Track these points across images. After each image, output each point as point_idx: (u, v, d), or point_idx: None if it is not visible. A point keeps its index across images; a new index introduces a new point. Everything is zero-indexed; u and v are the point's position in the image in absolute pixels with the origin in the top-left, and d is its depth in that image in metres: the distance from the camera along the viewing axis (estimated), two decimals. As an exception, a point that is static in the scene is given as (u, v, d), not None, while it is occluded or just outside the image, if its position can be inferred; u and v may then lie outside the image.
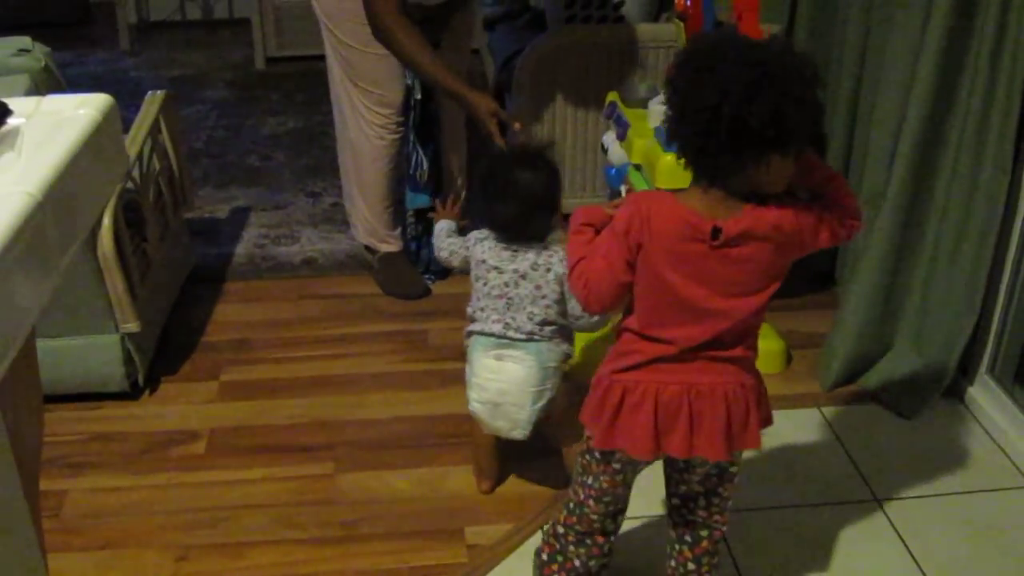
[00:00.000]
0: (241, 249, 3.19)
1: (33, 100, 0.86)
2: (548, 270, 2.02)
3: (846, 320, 2.52)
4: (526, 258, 2.03)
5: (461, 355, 2.65)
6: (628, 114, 2.67)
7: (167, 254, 2.73)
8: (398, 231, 2.97)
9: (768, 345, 2.59)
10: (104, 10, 5.49)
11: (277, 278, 3.04)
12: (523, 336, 2.02)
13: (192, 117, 4.21)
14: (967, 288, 2.35)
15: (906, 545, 2.08)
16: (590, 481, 1.70)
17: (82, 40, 5.30)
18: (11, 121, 0.81)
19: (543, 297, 2.01)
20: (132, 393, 2.50)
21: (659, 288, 1.49)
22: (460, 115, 2.87)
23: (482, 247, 2.08)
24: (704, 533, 1.78)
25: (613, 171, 2.62)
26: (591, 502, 1.72)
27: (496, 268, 2.04)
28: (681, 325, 1.52)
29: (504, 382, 2.01)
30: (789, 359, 2.63)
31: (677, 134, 1.43)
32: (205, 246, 3.19)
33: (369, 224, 2.95)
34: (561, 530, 1.78)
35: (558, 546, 1.80)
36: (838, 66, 2.79)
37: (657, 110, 2.52)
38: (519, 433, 2.04)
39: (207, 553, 2.07)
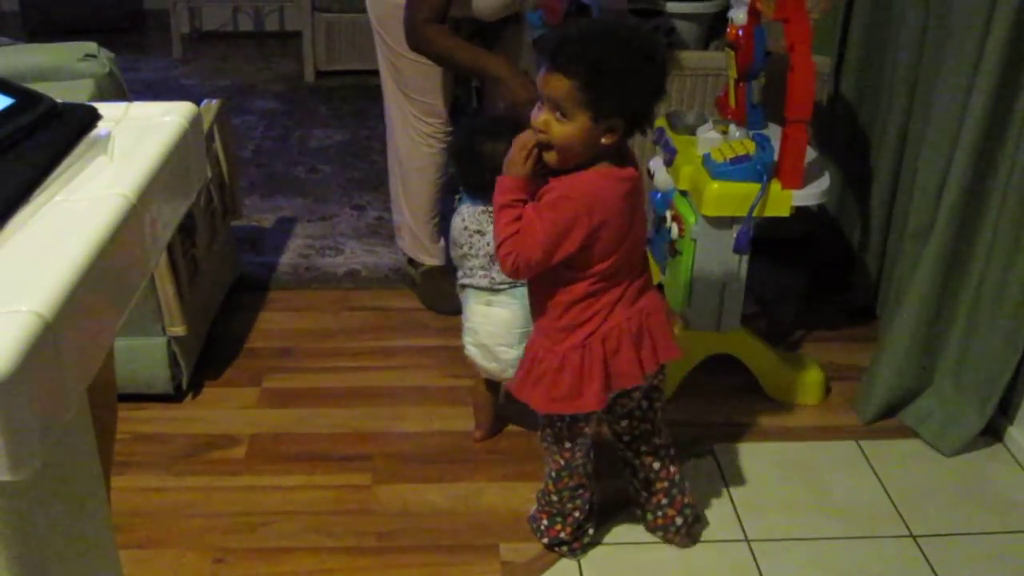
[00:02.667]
0: (286, 259, 3.23)
1: (122, 106, 0.89)
2: None
3: (887, 353, 2.51)
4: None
5: (501, 372, 2.69)
6: (676, 140, 2.69)
7: (215, 261, 2.77)
8: (440, 244, 3.00)
9: (807, 376, 2.60)
10: (157, 18, 5.58)
11: (320, 289, 3.08)
12: (507, 285, 2.19)
13: (241, 127, 4.27)
14: (1010, 326, 2.34)
15: (941, 582, 2.07)
16: (579, 440, 1.92)
17: (135, 47, 5.39)
18: (102, 126, 0.85)
19: None
20: (176, 396, 2.54)
21: (621, 244, 1.73)
22: None
23: (462, 215, 2.24)
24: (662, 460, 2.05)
25: (659, 196, 2.64)
26: (579, 456, 1.95)
27: (478, 232, 2.21)
28: (631, 266, 1.79)
29: (493, 325, 2.22)
30: (828, 391, 2.63)
31: (630, 106, 1.66)
32: (250, 254, 3.24)
33: (414, 235, 2.98)
34: (555, 497, 2.00)
35: (555, 510, 2.02)
36: (888, 99, 2.79)
37: (706, 138, 2.54)
38: (507, 373, 2.23)
39: (244, 557, 2.09)
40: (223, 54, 5.36)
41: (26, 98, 0.82)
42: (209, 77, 4.99)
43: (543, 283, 1.79)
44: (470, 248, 2.23)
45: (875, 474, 2.37)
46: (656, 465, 2.06)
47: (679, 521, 2.10)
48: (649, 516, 2.12)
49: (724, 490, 2.30)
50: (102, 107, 0.86)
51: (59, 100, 0.86)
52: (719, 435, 2.47)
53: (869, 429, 2.51)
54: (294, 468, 2.34)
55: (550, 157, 1.67)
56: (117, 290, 0.72)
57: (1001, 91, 2.24)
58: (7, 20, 5.83)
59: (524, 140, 1.66)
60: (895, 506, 2.27)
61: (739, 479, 2.33)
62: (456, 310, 2.95)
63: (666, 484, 2.08)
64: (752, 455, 2.42)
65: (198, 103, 2.82)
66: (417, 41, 2.60)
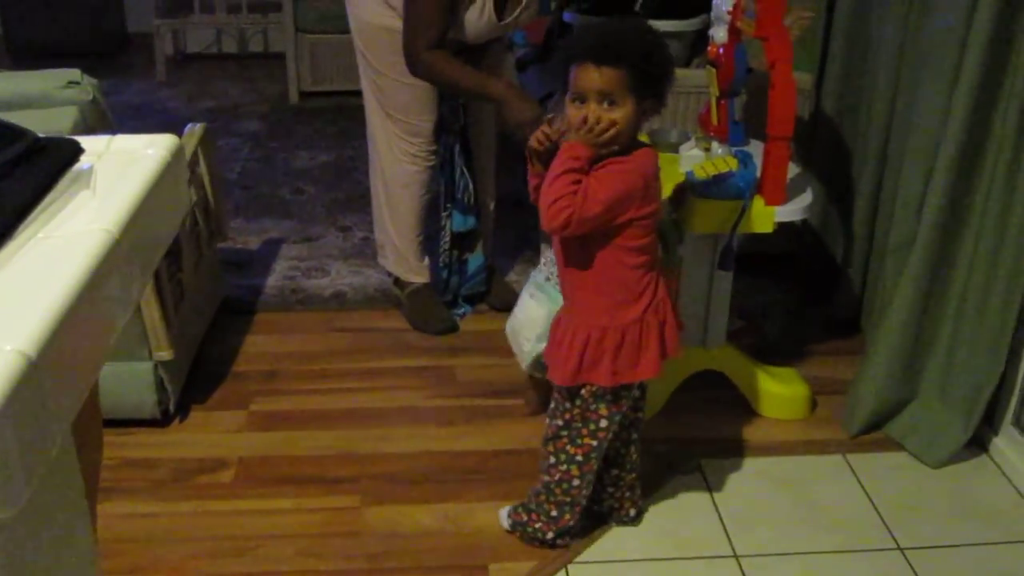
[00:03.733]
0: (272, 281, 3.23)
1: (104, 139, 0.90)
2: None
3: (871, 367, 2.53)
4: None
5: (488, 391, 2.70)
6: (659, 158, 2.70)
7: (201, 284, 2.77)
8: (426, 262, 3.01)
9: (793, 390, 2.61)
10: (141, 41, 5.59)
11: (307, 311, 3.08)
12: (555, 284, 2.26)
13: (226, 149, 4.28)
14: (993, 338, 2.36)
15: (929, 595, 2.08)
16: (603, 424, 2.00)
17: (119, 70, 5.40)
18: (84, 160, 0.85)
19: None
20: (163, 420, 2.54)
21: (655, 216, 1.91)
22: (488, 141, 2.98)
23: None
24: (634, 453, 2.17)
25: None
26: (608, 437, 2.04)
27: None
28: (655, 242, 1.96)
29: (524, 314, 2.34)
30: (814, 405, 2.64)
31: (661, 85, 1.85)
32: (236, 277, 3.24)
33: (399, 253, 2.99)
34: (577, 482, 2.06)
35: (569, 498, 2.08)
36: (868, 114, 2.82)
37: (689, 155, 2.55)
38: (523, 362, 2.37)
39: (233, 582, 2.09)
40: (207, 76, 5.37)
41: (8, 133, 0.83)
42: (194, 99, 5.00)
43: (597, 266, 1.90)
44: (550, 247, 2.26)
45: (862, 487, 2.38)
46: (634, 456, 2.17)
47: (633, 512, 2.23)
48: (608, 503, 2.21)
49: (712, 506, 2.30)
50: (85, 140, 0.87)
51: (42, 133, 0.87)
52: (706, 451, 2.47)
53: (855, 442, 2.53)
54: (282, 491, 2.34)
55: (599, 129, 1.81)
56: (101, 325, 0.72)
57: (979, 106, 2.26)
58: (-9, 45, 5.83)
59: (597, 120, 1.78)
60: (882, 519, 2.28)
61: (727, 494, 2.34)
62: (442, 329, 2.96)
63: (634, 476, 2.20)
64: (740, 470, 2.42)
65: (182, 126, 2.86)
66: (419, 68, 2.61)
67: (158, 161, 0.86)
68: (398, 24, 2.65)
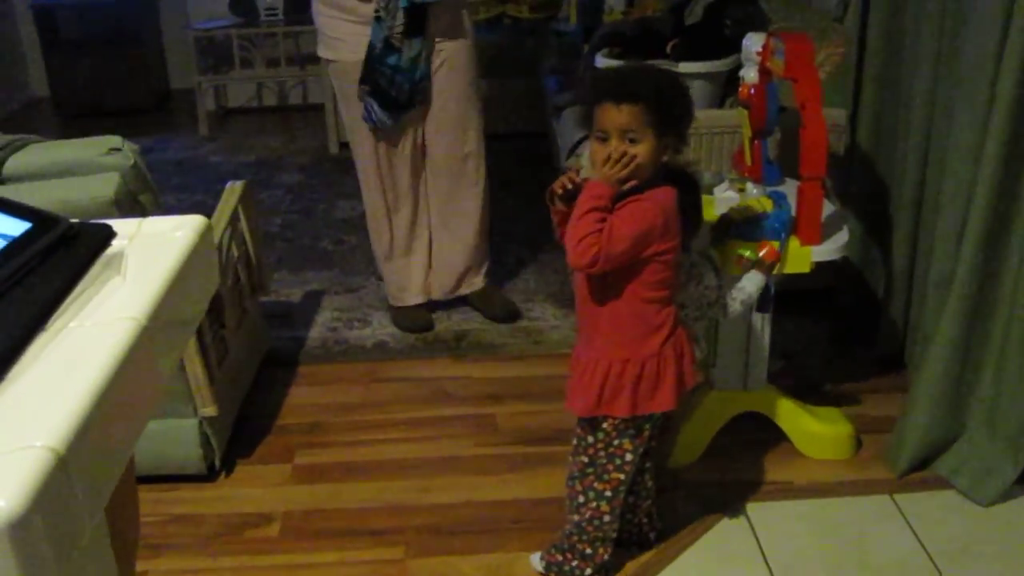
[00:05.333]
0: (314, 332, 3.26)
1: (134, 222, 0.92)
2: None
3: (917, 404, 2.50)
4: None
5: (529, 439, 2.70)
6: (693, 200, 2.71)
7: (244, 339, 2.81)
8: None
9: (836, 430, 2.58)
10: (183, 96, 5.72)
11: (349, 361, 3.11)
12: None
13: (267, 201, 4.34)
14: (1040, 373, 2.33)
15: (983, 639, 2.04)
16: (628, 457, 2.04)
17: (163, 126, 5.52)
18: (115, 243, 0.88)
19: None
20: (209, 475, 2.57)
21: (676, 252, 1.96)
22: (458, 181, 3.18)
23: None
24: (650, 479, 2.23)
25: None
26: (631, 472, 2.07)
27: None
28: (675, 277, 2.03)
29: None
30: (859, 444, 2.61)
31: (681, 122, 1.93)
32: (279, 329, 3.28)
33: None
34: (607, 518, 2.09)
35: (601, 534, 2.11)
36: (903, 149, 2.80)
37: (723, 197, 2.56)
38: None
39: (280, 637, 2.10)
40: (248, 129, 5.47)
41: (42, 222, 0.85)
42: (235, 153, 5.09)
43: (617, 300, 1.95)
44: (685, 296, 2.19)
45: (911, 528, 2.34)
46: (648, 483, 2.22)
47: (652, 536, 2.29)
48: (626, 531, 2.25)
49: (759, 551, 2.28)
50: (116, 224, 0.89)
51: (86, 198, 0.89)
52: (750, 494, 2.45)
53: (903, 482, 2.49)
54: (327, 545, 2.35)
55: (624, 162, 1.88)
56: (130, 414, 0.74)
57: (1013, 140, 2.25)
58: (39, 105, 5.99)
59: (619, 154, 1.86)
60: (933, 562, 2.24)
61: (773, 539, 2.32)
62: (419, 328, 3.20)
63: (650, 503, 2.25)
64: (785, 514, 2.40)
65: (225, 180, 2.92)
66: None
67: (186, 243, 0.88)
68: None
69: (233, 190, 2.84)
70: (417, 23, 2.87)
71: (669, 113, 1.88)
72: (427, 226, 3.24)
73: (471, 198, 3.19)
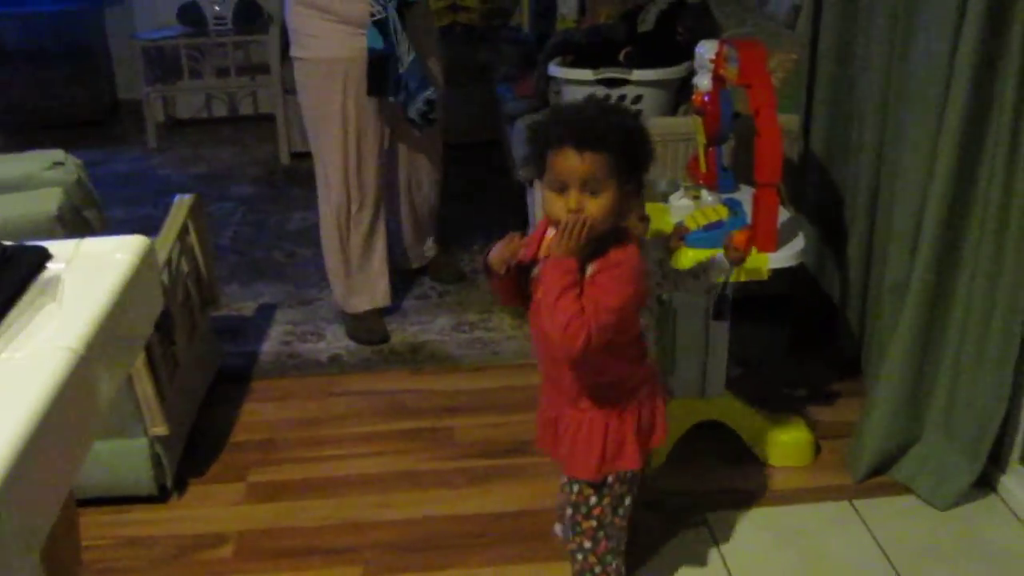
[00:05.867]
0: (267, 347, 3.21)
1: (71, 244, 0.88)
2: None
3: (874, 409, 2.50)
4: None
5: (487, 452, 2.67)
6: (648, 208, 2.70)
7: (195, 355, 2.76)
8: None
9: (795, 437, 2.58)
10: (131, 107, 5.61)
11: (303, 376, 3.06)
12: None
13: (218, 213, 4.28)
14: (995, 375, 2.34)
15: (945, 644, 2.04)
16: (628, 501, 1.96)
17: (110, 138, 5.42)
18: (51, 266, 0.84)
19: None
20: (160, 496, 2.51)
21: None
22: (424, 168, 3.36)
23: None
24: None
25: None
26: (628, 517, 1.99)
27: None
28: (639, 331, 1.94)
29: None
30: (818, 450, 2.61)
31: (643, 166, 1.79)
32: (231, 344, 3.22)
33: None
34: (615, 563, 1.99)
35: (612, 545, 1.98)
36: (856, 154, 2.81)
37: (679, 205, 2.55)
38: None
39: (236, 662, 2.05)
40: (198, 141, 5.39)
41: (-27, 245, 0.81)
42: (185, 165, 5.01)
43: (599, 361, 1.81)
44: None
45: (871, 534, 2.34)
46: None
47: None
48: None
49: (720, 560, 2.27)
50: (53, 246, 0.85)
51: (28, 216, 0.85)
52: (711, 503, 2.44)
53: (862, 487, 2.49)
54: (283, 565, 2.31)
55: (584, 227, 1.70)
56: (67, 448, 0.70)
57: (966, 143, 2.25)
58: (-18, 118, 5.85)
59: (573, 222, 1.68)
60: (893, 565, 2.24)
61: (734, 548, 2.30)
62: (376, 340, 3.18)
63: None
64: (746, 522, 2.39)
65: (174, 192, 2.86)
66: None
67: (127, 266, 0.84)
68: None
69: (182, 203, 2.78)
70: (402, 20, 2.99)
71: (634, 161, 1.74)
72: (384, 233, 3.26)
73: (435, 159, 3.40)
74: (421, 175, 3.41)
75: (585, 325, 1.68)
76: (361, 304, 3.26)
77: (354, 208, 3.16)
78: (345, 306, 3.28)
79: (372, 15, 2.92)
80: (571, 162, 1.68)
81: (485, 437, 2.73)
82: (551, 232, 1.78)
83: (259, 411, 2.90)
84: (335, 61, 2.99)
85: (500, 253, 1.81)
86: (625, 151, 1.70)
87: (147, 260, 0.88)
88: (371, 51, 2.96)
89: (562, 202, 1.70)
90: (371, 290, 3.27)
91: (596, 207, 1.69)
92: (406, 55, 2.99)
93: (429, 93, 3.05)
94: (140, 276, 0.85)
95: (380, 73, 2.99)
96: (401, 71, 2.99)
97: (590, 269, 1.73)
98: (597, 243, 1.73)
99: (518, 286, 1.86)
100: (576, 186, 1.68)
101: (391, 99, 3.04)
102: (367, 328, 3.25)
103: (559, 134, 1.70)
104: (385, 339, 3.23)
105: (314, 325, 3.34)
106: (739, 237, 2.29)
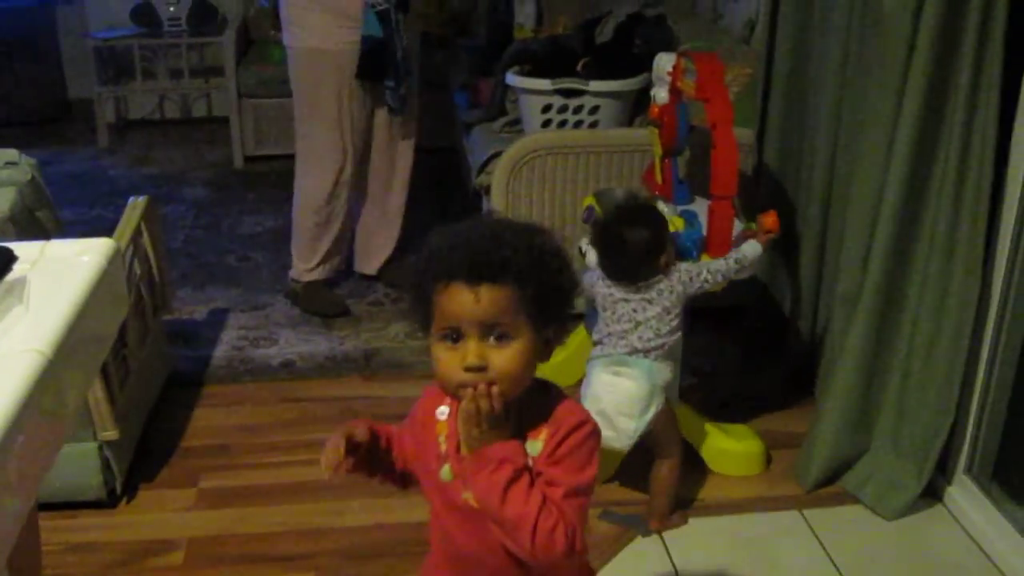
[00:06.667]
0: (220, 352, 3.18)
1: (37, 246, 0.87)
2: (671, 292, 2.28)
3: (824, 420, 2.54)
4: (648, 287, 2.28)
5: (442, 459, 2.66)
6: (605, 218, 2.72)
7: (146, 359, 2.72)
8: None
9: (747, 447, 2.61)
10: (82, 108, 5.53)
11: (256, 381, 3.04)
12: (644, 352, 2.27)
13: (170, 216, 4.23)
14: (942, 387, 2.38)
15: (891, 651, 2.07)
16: None
17: (60, 138, 5.34)
18: (16, 268, 0.83)
19: (668, 313, 2.28)
20: (109, 502, 2.47)
21: None
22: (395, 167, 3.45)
23: (605, 284, 2.33)
24: None
25: (591, 275, 2.65)
26: None
27: (624, 299, 2.29)
28: None
29: (618, 395, 2.26)
30: (769, 460, 2.64)
31: (565, 302, 1.36)
32: (183, 349, 3.19)
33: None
34: None
35: None
36: (809, 168, 2.85)
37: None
38: (622, 443, 2.27)
39: (185, 669, 2.03)
40: (151, 142, 5.33)
41: (-63, 245, 0.80)
42: (136, 166, 4.96)
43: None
44: (613, 313, 2.29)
45: (819, 543, 2.37)
46: None
47: None
48: None
49: (672, 569, 2.29)
50: (18, 247, 0.85)
51: None
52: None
53: (811, 497, 2.53)
54: (234, 572, 2.29)
55: (496, 398, 1.26)
56: (34, 454, 0.70)
57: (918, 156, 2.30)
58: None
59: (480, 402, 1.25)
60: (840, 573, 2.28)
61: (686, 557, 2.32)
62: (334, 312, 3.30)
63: None
64: (697, 531, 2.41)
65: (126, 194, 2.82)
66: None
67: (93, 268, 0.84)
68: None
69: (135, 206, 2.75)
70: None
71: (552, 294, 1.29)
72: (349, 214, 3.42)
73: (407, 156, 3.47)
74: (394, 175, 3.47)
75: (559, 519, 1.26)
76: (320, 273, 3.42)
77: (340, 183, 3.30)
78: (304, 275, 3.40)
79: (374, 5, 3.08)
80: (463, 301, 1.25)
81: (439, 444, 2.73)
82: (442, 410, 1.38)
83: (211, 416, 2.87)
84: (327, 52, 3.14)
85: (327, 460, 1.44)
86: (537, 280, 1.26)
87: (113, 262, 0.87)
88: (369, 39, 3.11)
89: (457, 358, 1.26)
90: (330, 260, 3.42)
91: (504, 360, 1.25)
92: (402, 44, 3.16)
93: (411, 82, 3.25)
94: (106, 278, 0.84)
95: (376, 59, 3.13)
96: (399, 57, 3.15)
97: (535, 444, 1.31)
98: (523, 404, 1.31)
99: (386, 466, 1.49)
100: (474, 333, 1.25)
101: (386, 84, 3.20)
102: (325, 299, 3.40)
103: (445, 266, 1.27)
104: (344, 311, 3.39)
105: (267, 330, 3.32)
106: (769, 218, 2.41)
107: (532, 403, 1.32)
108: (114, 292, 0.88)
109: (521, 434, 1.31)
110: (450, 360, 1.27)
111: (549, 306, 1.29)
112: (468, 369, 1.25)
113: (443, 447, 1.37)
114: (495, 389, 1.25)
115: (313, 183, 3.33)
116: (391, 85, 3.20)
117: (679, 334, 2.32)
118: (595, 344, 2.34)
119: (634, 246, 2.25)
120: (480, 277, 1.25)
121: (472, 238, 1.30)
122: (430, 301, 1.29)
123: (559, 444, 1.29)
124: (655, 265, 2.27)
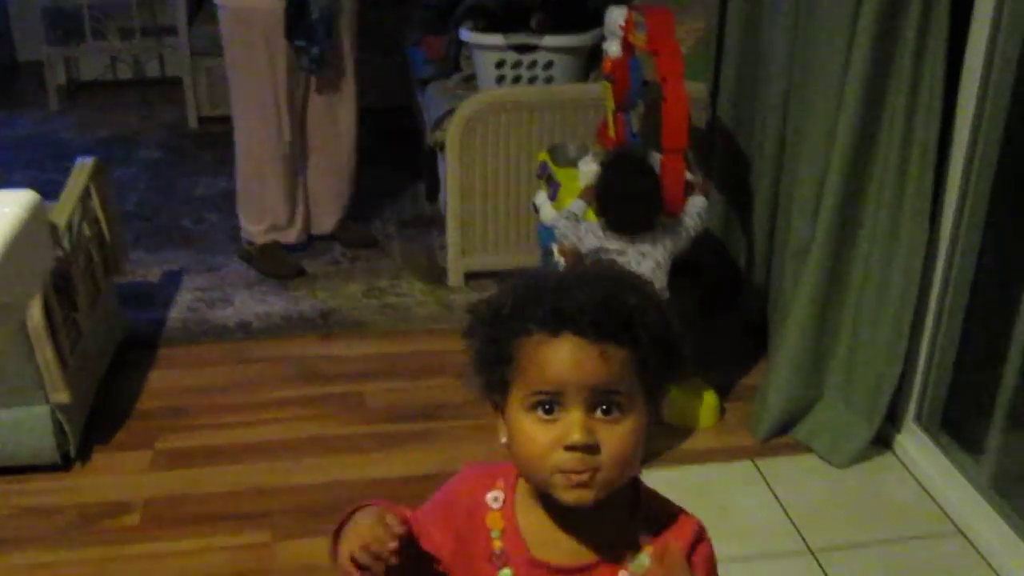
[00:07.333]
0: (175, 313, 3.16)
1: (-45, 197, 0.86)
2: (662, 244, 2.33)
3: (776, 371, 2.56)
4: (642, 238, 2.32)
5: (398, 416, 2.67)
6: (559, 174, 2.72)
7: (99, 322, 2.70)
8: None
9: (702, 400, 2.63)
10: (31, 69, 5.43)
11: (212, 342, 3.02)
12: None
13: (123, 178, 4.18)
14: (891, 337, 2.41)
15: (840, 596, 2.11)
16: None
17: (8, 100, 5.25)
18: (-67, 221, 0.81)
19: (659, 267, 2.32)
20: (63, 465, 2.46)
21: None
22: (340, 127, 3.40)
23: (597, 237, 2.34)
24: None
25: (545, 229, 2.66)
26: None
27: (619, 252, 2.31)
28: None
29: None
30: (723, 412, 2.67)
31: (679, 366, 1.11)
32: (138, 311, 3.16)
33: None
34: None
35: None
36: (762, 122, 2.86)
37: (587, 170, 2.57)
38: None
39: (142, 629, 2.03)
40: (103, 104, 5.25)
41: None
42: (88, 129, 4.88)
43: None
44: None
45: (772, 492, 2.41)
46: None
47: None
48: None
49: (626, 520, 2.31)
50: (-64, 200, 0.83)
51: None
52: (619, 464, 2.48)
53: (764, 447, 2.56)
54: (191, 531, 2.29)
55: (596, 488, 1.00)
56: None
57: (866, 111, 2.31)
58: None
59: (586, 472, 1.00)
60: (793, 523, 2.31)
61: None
62: (290, 274, 3.30)
63: None
64: (652, 482, 2.41)
65: (77, 158, 2.78)
66: None
67: (13, 220, 0.82)
68: None
69: (83, 167, 2.72)
70: None
71: (670, 357, 1.04)
72: (298, 174, 3.39)
73: (348, 113, 3.40)
74: (336, 136, 3.42)
75: None
76: (269, 235, 3.38)
77: (277, 141, 3.26)
78: (258, 237, 3.39)
79: None
80: (576, 360, 0.99)
81: (395, 402, 2.74)
82: (494, 496, 1.11)
83: (167, 378, 2.86)
84: (256, 11, 3.11)
85: (362, 542, 1.04)
86: (659, 340, 1.02)
87: (35, 214, 0.86)
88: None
89: (553, 433, 0.99)
90: (279, 221, 3.38)
91: (617, 440, 1.00)
92: (319, 4, 3.10)
93: (325, 47, 3.18)
94: (28, 231, 0.83)
95: (296, 20, 3.10)
96: (313, 18, 3.10)
97: (642, 560, 1.08)
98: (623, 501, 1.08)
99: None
100: (581, 403, 0.99)
101: (296, 43, 3.15)
102: (280, 261, 3.38)
103: (548, 313, 1.00)
104: (300, 272, 3.37)
105: (223, 291, 3.30)
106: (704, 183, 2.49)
107: (629, 500, 1.09)
108: (36, 244, 0.87)
109: (634, 541, 1.07)
110: (543, 435, 1.00)
111: (664, 373, 1.05)
112: (571, 448, 0.98)
113: (497, 545, 1.09)
114: (600, 477, 0.99)
115: (250, 144, 3.30)
116: (302, 45, 3.15)
117: (667, 294, 2.33)
118: None
119: (645, 194, 2.31)
120: (601, 330, 0.99)
121: (583, 281, 1.04)
122: (511, 358, 1.02)
123: (691, 560, 1.07)
124: (661, 211, 2.34)
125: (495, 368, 1.04)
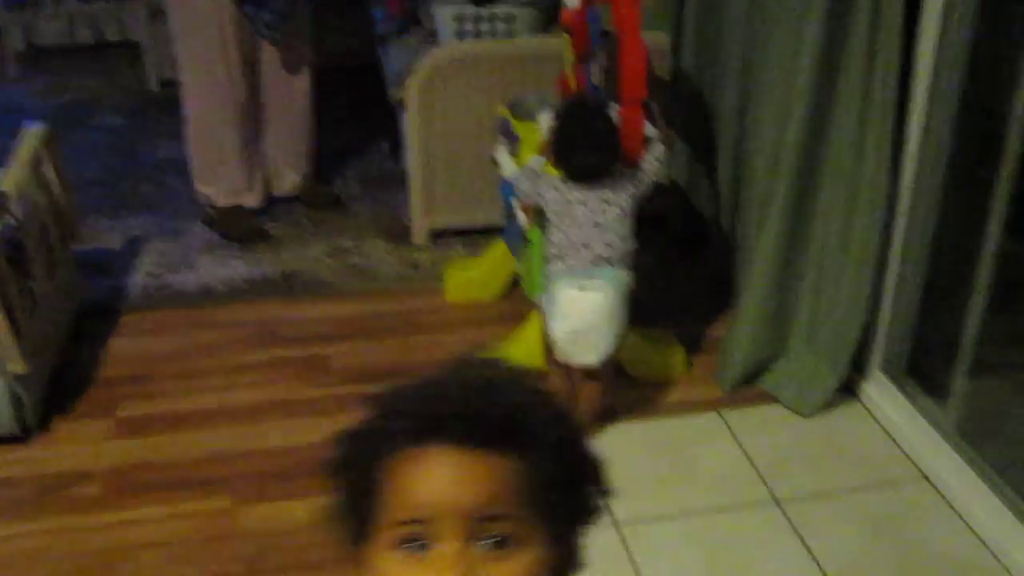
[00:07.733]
0: (137, 280, 3.11)
1: None
2: (624, 191, 2.28)
3: (741, 322, 2.55)
4: (603, 186, 2.27)
5: (362, 377, 2.65)
6: (519, 128, 2.68)
7: (56, 290, 2.66)
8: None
9: (668, 352, 2.62)
10: (-11, 36, 5.33)
11: (174, 308, 2.98)
12: (608, 261, 2.25)
13: (84, 144, 4.10)
14: (855, 285, 2.40)
15: (806, 545, 2.11)
16: None
17: (-34, 68, 5.15)
18: None
19: (625, 215, 2.28)
20: (22, 436, 2.43)
21: None
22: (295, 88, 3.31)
23: (558, 190, 2.28)
24: None
25: (506, 184, 2.62)
26: None
27: (581, 201, 2.26)
28: None
29: (588, 310, 2.22)
30: (690, 364, 2.65)
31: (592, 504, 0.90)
32: (99, 278, 3.11)
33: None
34: None
35: None
36: (724, 72, 2.83)
37: (547, 125, 2.53)
38: (594, 357, 2.25)
39: (104, 598, 2.02)
40: (62, 70, 5.14)
41: None
42: (48, 95, 4.79)
43: None
44: (572, 220, 2.25)
45: (738, 443, 2.40)
46: None
47: None
48: None
49: (592, 475, 2.30)
50: None
51: None
52: (583, 417, 2.46)
53: (730, 398, 2.55)
54: (152, 499, 2.26)
55: None
56: None
57: (827, 50, 2.28)
58: None
59: None
60: (759, 473, 2.31)
61: (606, 461, 2.33)
62: (252, 238, 3.25)
63: None
64: (619, 436, 2.43)
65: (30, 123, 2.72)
66: None
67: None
68: None
69: (32, 134, 2.66)
70: None
71: (579, 472, 0.85)
72: (253, 137, 3.33)
73: (303, 73, 3.32)
74: (291, 96, 3.34)
75: None
76: (229, 199, 3.33)
77: (230, 104, 3.20)
78: (219, 199, 3.34)
79: None
80: (441, 476, 0.77)
81: (360, 363, 2.71)
82: None
83: (128, 345, 2.82)
84: None
85: None
86: (558, 449, 0.81)
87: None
88: None
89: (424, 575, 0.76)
90: (235, 185, 3.33)
91: None
92: None
93: (280, 6, 3.09)
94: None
95: None
96: None
97: None
98: None
99: None
100: (456, 533, 0.76)
101: (245, 9, 3.06)
102: (243, 223, 3.33)
103: (409, 423, 0.80)
104: (264, 235, 3.32)
105: (185, 256, 3.25)
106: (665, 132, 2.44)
107: None
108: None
109: None
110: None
111: (572, 495, 0.83)
112: None
113: None
114: None
115: (200, 109, 3.25)
116: (251, 12, 3.08)
117: (634, 244, 2.32)
118: (552, 259, 2.29)
119: (600, 137, 2.27)
120: (476, 435, 0.77)
121: (451, 382, 0.83)
122: (375, 485, 0.80)
123: None
124: (619, 156, 2.29)
125: (358, 501, 0.81)
